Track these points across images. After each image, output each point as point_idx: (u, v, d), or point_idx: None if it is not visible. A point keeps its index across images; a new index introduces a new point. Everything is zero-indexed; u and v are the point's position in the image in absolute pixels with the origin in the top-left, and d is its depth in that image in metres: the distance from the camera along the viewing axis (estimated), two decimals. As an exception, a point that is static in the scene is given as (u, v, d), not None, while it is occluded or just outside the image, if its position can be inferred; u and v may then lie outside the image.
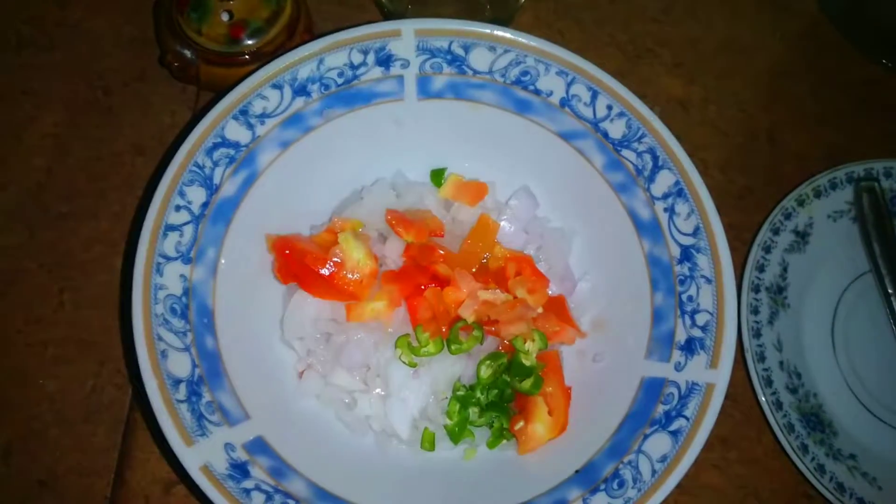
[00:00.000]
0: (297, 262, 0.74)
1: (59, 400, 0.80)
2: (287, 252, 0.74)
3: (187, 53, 0.86)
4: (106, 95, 0.93)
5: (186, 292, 0.70)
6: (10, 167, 0.89)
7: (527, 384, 0.74)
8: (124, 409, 0.80)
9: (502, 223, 0.81)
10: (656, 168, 0.76)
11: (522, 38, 0.78)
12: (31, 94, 0.92)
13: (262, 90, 0.75)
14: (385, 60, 0.78)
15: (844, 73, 1.03)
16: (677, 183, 0.75)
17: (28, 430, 0.79)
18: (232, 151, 0.74)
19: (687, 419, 0.67)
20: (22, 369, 0.81)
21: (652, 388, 0.71)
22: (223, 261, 0.73)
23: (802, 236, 0.88)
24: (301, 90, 0.76)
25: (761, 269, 0.85)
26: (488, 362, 0.74)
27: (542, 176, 0.82)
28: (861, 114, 1.01)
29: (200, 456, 0.64)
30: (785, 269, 0.87)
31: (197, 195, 0.72)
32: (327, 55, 0.76)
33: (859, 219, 0.89)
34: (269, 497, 0.64)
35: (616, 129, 0.77)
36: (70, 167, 0.89)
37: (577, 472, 0.68)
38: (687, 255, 0.73)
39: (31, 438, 0.79)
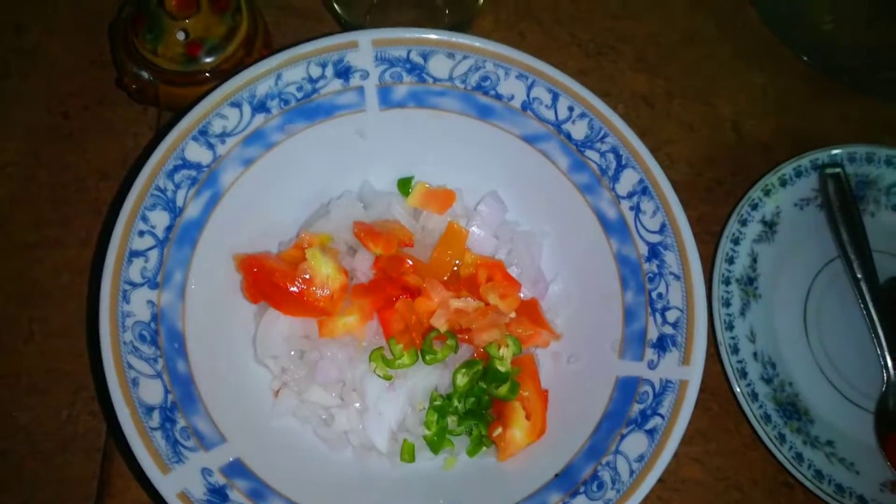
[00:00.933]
0: (266, 281, 0.73)
1: (34, 431, 0.79)
2: (255, 271, 0.74)
3: (145, 75, 0.86)
4: (66, 120, 0.92)
5: (155, 318, 0.69)
6: (-28, 198, 0.88)
7: (503, 390, 0.74)
8: (101, 437, 0.79)
9: (472, 229, 0.81)
10: (620, 167, 0.76)
11: (480, 44, 0.78)
12: (-10, 123, 0.91)
13: (220, 109, 0.74)
14: (344, 72, 0.77)
15: (801, 60, 1.04)
16: (641, 181, 0.75)
17: (3, 464, 0.78)
18: (193, 173, 0.73)
19: (662, 417, 0.68)
20: (-6, 403, 0.80)
21: (627, 388, 0.71)
22: (191, 284, 0.72)
23: (770, 226, 0.89)
24: (260, 107, 0.76)
25: (731, 261, 0.86)
26: (464, 370, 0.74)
27: (509, 180, 0.83)
28: (822, 99, 1.02)
29: (177, 483, 0.63)
30: (755, 260, 0.87)
31: (160, 219, 0.71)
32: (285, 70, 0.76)
33: (825, 205, 0.90)
34: (248, 520, 0.63)
35: (578, 130, 0.77)
36: (34, 195, 0.88)
37: (556, 475, 0.69)
38: (655, 252, 0.73)
39: (7, 471, 0.78)
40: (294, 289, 0.73)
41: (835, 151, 0.91)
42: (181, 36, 0.85)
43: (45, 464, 0.78)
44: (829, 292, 0.89)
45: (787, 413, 0.81)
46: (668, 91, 1.01)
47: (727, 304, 0.84)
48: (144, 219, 0.70)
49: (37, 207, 0.88)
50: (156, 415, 0.65)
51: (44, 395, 0.81)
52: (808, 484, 0.78)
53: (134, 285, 0.69)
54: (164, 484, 0.63)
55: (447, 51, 0.78)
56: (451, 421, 0.74)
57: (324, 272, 0.74)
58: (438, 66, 0.78)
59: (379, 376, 0.73)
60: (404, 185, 0.84)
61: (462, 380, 0.74)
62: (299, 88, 0.77)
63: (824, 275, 0.90)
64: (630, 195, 0.75)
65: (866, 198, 0.92)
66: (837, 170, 0.90)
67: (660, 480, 0.79)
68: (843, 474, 0.79)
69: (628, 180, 0.76)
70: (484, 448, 0.75)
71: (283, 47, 0.77)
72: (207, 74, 0.86)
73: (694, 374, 0.68)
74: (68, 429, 0.80)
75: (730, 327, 0.83)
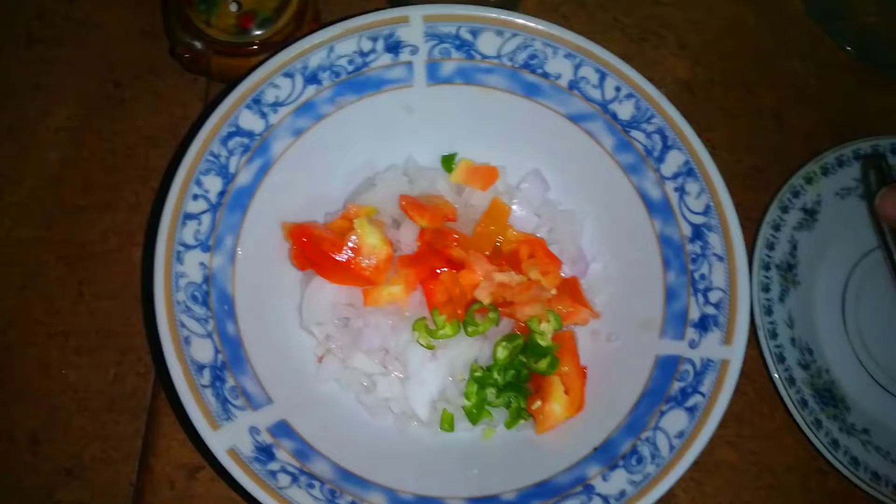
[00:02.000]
0: (314, 249, 0.75)
1: (82, 389, 0.81)
2: (304, 239, 0.75)
3: (197, 45, 0.87)
4: (117, 88, 0.94)
5: (206, 280, 0.70)
6: (24, 162, 0.89)
7: (543, 364, 0.75)
8: (146, 397, 0.81)
9: (514, 207, 0.82)
10: (666, 148, 0.76)
11: (530, 22, 0.78)
12: (44, 89, 0.93)
13: (273, 79, 0.75)
14: (394, 47, 0.78)
15: (844, 51, 1.03)
16: (687, 162, 0.75)
17: (53, 420, 0.80)
18: (246, 140, 0.74)
19: (703, 395, 0.68)
20: (44, 360, 0.82)
21: (667, 366, 0.71)
22: (241, 249, 0.73)
23: (811, 214, 0.89)
24: (312, 78, 0.77)
25: (771, 247, 0.86)
26: (504, 343, 0.75)
27: (553, 159, 0.83)
28: (865, 90, 1.01)
29: (227, 439, 0.65)
30: (794, 247, 0.88)
31: (213, 184, 0.72)
32: (337, 43, 0.77)
33: (867, 195, 0.90)
34: (294, 478, 0.65)
35: (625, 111, 0.78)
36: (84, 160, 0.90)
37: (595, 449, 0.70)
38: (698, 233, 0.74)
39: (55, 427, 0.80)
40: (341, 257, 0.74)
41: (878, 142, 0.91)
42: (234, 8, 0.86)
43: (92, 421, 0.80)
44: (868, 282, 0.89)
45: (823, 399, 0.81)
46: (709, 78, 1.01)
47: (766, 289, 0.84)
48: (199, 183, 0.72)
49: (87, 172, 0.90)
50: (206, 373, 0.67)
51: (92, 354, 0.83)
52: (843, 470, 0.79)
53: (187, 247, 0.70)
54: (214, 440, 0.64)
55: (497, 28, 0.79)
56: (491, 393, 0.75)
57: (370, 242, 0.75)
58: (487, 44, 0.79)
59: (421, 345, 0.74)
60: (448, 161, 0.85)
61: (502, 352, 0.75)
62: (350, 62, 0.78)
63: (864, 264, 0.90)
64: (675, 176, 0.76)
65: (909, 189, 0.92)
66: (880, 160, 0.90)
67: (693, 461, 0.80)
68: (880, 462, 0.79)
69: (674, 161, 0.76)
70: (522, 420, 0.76)
71: (331, 22, 0.78)
72: (257, 46, 0.87)
73: (736, 354, 0.69)
74: (115, 388, 0.82)
75: (768, 312, 0.83)
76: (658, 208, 0.76)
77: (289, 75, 0.76)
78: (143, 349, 0.83)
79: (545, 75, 0.79)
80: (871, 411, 0.83)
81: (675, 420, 0.68)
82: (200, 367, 0.67)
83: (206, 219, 0.72)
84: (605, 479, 0.67)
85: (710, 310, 0.72)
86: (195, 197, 0.71)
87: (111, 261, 0.86)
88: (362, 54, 0.78)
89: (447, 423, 0.75)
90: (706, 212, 0.74)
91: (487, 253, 0.79)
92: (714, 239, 0.73)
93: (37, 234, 0.86)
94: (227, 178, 0.73)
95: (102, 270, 0.85)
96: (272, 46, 0.87)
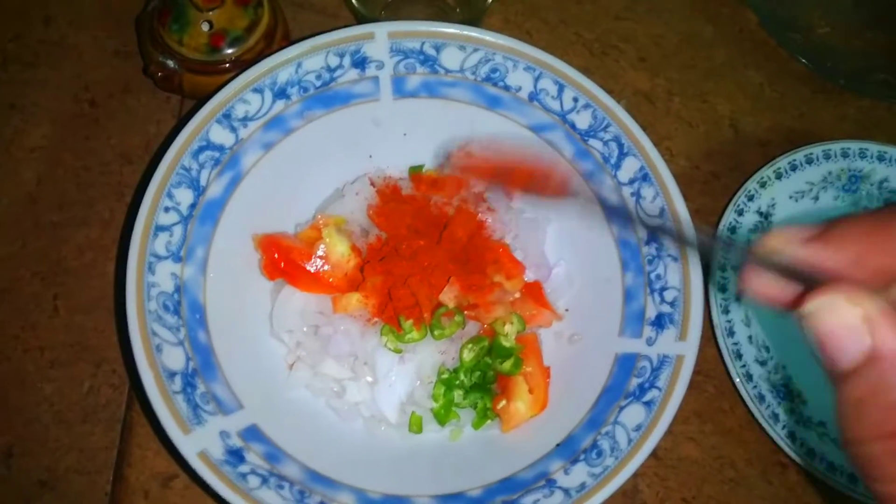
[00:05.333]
0: (284, 259, 0.77)
1: (57, 402, 0.83)
2: (274, 250, 0.77)
3: (170, 63, 0.90)
4: (92, 107, 0.96)
5: (178, 289, 0.72)
6: (0, 180, 0.91)
7: (507, 365, 0.77)
8: (121, 409, 0.83)
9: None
10: (622, 155, 0.80)
11: (490, 37, 0.82)
12: (19, 109, 0.95)
13: (243, 94, 0.78)
14: (360, 62, 0.81)
15: (797, 62, 1.08)
16: (642, 168, 0.79)
17: (28, 432, 0.81)
18: (217, 154, 0.77)
19: (659, 389, 0.71)
20: (20, 374, 0.83)
21: (626, 363, 0.74)
22: (212, 259, 0.76)
23: (766, 217, 0.92)
24: (281, 93, 0.79)
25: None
26: (470, 346, 0.77)
27: (516, 168, 0.86)
28: (817, 99, 1.06)
29: (197, 443, 0.66)
30: (750, 249, 0.91)
31: (185, 196, 0.75)
32: (305, 59, 0.80)
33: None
34: (264, 480, 0.67)
35: (582, 120, 0.81)
36: (59, 178, 0.92)
37: (557, 445, 0.72)
38: (654, 235, 0.77)
39: (30, 440, 0.81)
40: (310, 267, 0.77)
41: (829, 147, 0.95)
42: (206, 27, 0.89)
43: (67, 433, 0.81)
44: (821, 281, 0.92)
45: (780, 394, 0.84)
46: (668, 90, 1.05)
47: (723, 289, 0.87)
48: (170, 195, 0.74)
49: (62, 189, 0.91)
50: (177, 379, 0.69)
51: (67, 367, 0.84)
52: (801, 462, 0.81)
53: (159, 258, 0.72)
54: (185, 444, 0.66)
55: (459, 43, 0.82)
56: (458, 394, 0.77)
57: (339, 251, 0.77)
58: (450, 58, 0.82)
59: (389, 350, 0.76)
60: (415, 171, 0.87)
61: (468, 355, 0.77)
62: (318, 77, 0.81)
63: (817, 264, 0.93)
64: (631, 182, 0.79)
65: (859, 192, 0.96)
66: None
67: (657, 458, 0.83)
68: (835, 453, 0.82)
69: (630, 167, 0.79)
70: (488, 420, 0.78)
71: (300, 39, 0.81)
72: (229, 64, 0.90)
73: (690, 349, 0.72)
74: (90, 400, 0.83)
75: (726, 311, 0.86)
76: (616, 213, 0.79)
77: (258, 91, 0.79)
78: (117, 361, 0.84)
79: (506, 88, 0.82)
80: (826, 405, 0.86)
81: (633, 414, 0.71)
82: (172, 374, 0.68)
83: (178, 230, 0.74)
84: (566, 472, 0.69)
85: (666, 308, 0.74)
86: (167, 209, 0.74)
87: (86, 275, 0.87)
88: (330, 70, 0.81)
89: (416, 426, 0.77)
90: (661, 214, 0.77)
91: (453, 259, 0.81)
92: (669, 240, 0.76)
93: (12, 250, 0.88)
94: (198, 190, 0.76)
95: (77, 285, 0.87)
96: (243, 64, 0.89)
